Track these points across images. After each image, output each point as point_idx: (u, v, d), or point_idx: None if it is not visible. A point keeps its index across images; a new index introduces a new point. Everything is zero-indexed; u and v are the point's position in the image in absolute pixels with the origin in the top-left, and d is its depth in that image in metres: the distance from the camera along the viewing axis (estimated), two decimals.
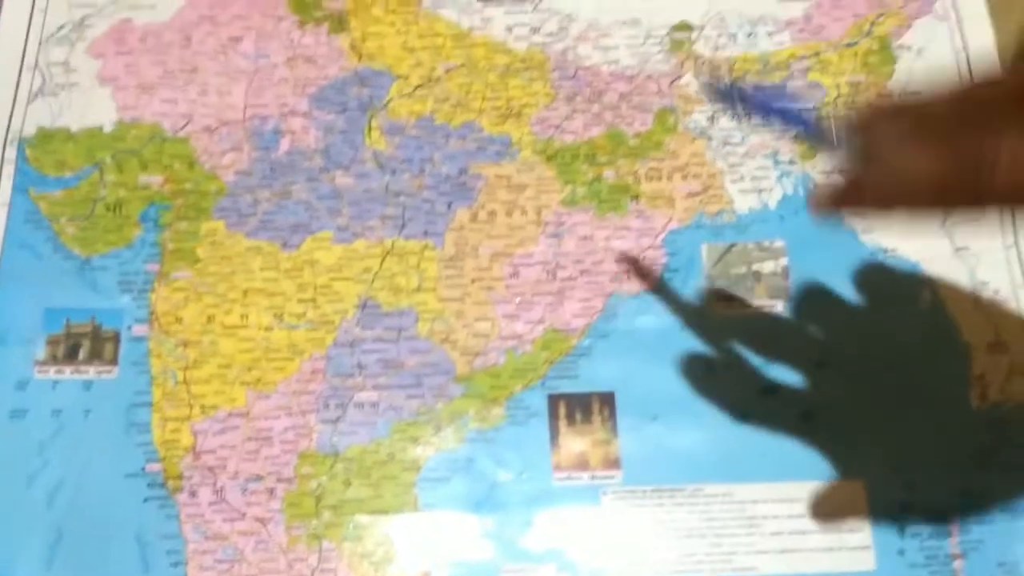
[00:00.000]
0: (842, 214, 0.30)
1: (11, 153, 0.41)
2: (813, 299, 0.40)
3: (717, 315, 0.40)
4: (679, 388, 0.38)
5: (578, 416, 0.38)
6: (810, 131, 0.30)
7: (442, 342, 0.39)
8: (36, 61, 0.43)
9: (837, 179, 0.29)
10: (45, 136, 0.41)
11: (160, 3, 0.44)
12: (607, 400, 0.38)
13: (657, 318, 0.40)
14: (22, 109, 0.42)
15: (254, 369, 0.38)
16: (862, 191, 0.29)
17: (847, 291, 0.40)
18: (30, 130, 0.41)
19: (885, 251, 0.40)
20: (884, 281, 0.40)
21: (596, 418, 0.38)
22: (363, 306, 0.39)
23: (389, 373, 0.38)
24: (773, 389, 0.38)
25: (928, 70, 0.44)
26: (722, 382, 0.39)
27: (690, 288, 0.40)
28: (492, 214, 0.41)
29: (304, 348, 0.39)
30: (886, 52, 0.44)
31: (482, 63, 0.44)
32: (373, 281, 0.40)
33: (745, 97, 0.31)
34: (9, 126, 0.41)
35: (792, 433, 0.38)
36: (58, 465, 0.37)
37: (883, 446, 0.38)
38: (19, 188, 0.40)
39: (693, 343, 0.39)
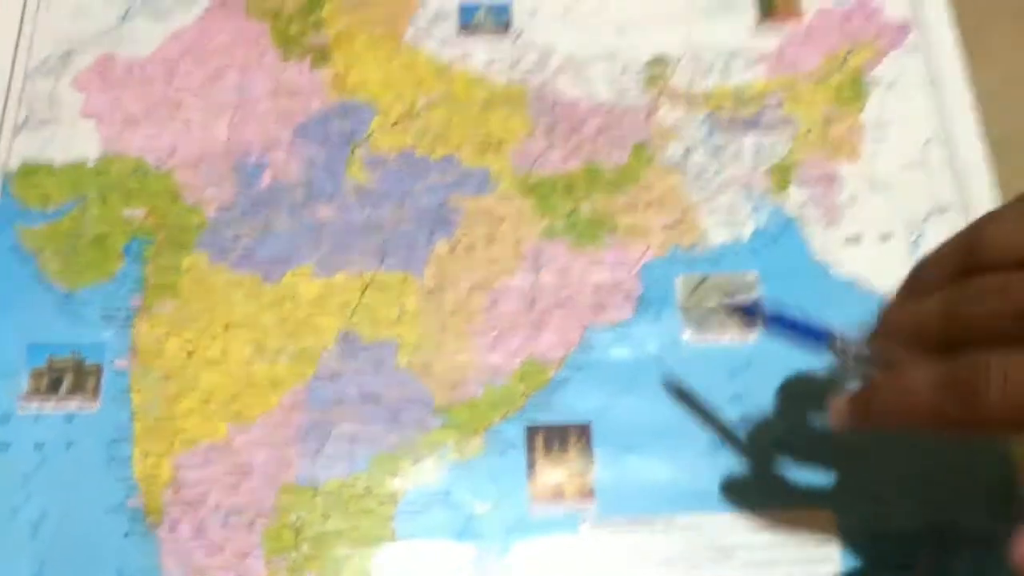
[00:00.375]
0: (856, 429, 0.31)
1: None
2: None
3: (691, 346, 0.40)
4: (654, 419, 0.39)
5: (555, 447, 0.39)
6: (825, 347, 0.32)
7: (420, 374, 0.40)
8: (21, 94, 0.43)
9: (845, 397, 0.31)
10: (29, 170, 0.42)
11: (144, 37, 0.45)
12: (583, 431, 0.39)
13: (632, 349, 0.40)
14: (7, 142, 0.42)
15: (235, 402, 0.39)
16: (869, 410, 0.30)
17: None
18: (14, 164, 0.42)
19: (856, 283, 0.41)
20: (854, 312, 0.41)
21: (573, 449, 0.39)
22: (343, 339, 0.40)
23: (368, 405, 0.39)
24: (746, 419, 0.39)
25: (899, 103, 0.45)
26: (695, 414, 0.39)
27: (665, 319, 0.41)
28: (471, 246, 0.42)
29: (284, 381, 0.39)
30: (858, 85, 0.45)
31: (462, 96, 0.44)
32: (353, 314, 0.41)
33: (765, 315, 0.34)
34: None
35: (764, 462, 0.39)
36: (41, 498, 0.37)
37: (853, 476, 0.38)
38: (3, 222, 0.41)
39: (667, 374, 0.40)
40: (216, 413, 0.39)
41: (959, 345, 0.27)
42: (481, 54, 0.45)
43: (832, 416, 0.32)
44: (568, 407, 0.39)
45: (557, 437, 0.39)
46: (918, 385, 0.28)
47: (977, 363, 0.27)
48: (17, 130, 0.43)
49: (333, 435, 0.38)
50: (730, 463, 0.38)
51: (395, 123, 0.44)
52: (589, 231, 0.42)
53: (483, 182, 0.43)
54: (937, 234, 0.42)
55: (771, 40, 0.46)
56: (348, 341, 0.40)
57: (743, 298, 0.40)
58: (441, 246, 0.42)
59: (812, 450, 0.39)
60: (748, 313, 0.36)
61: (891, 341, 0.30)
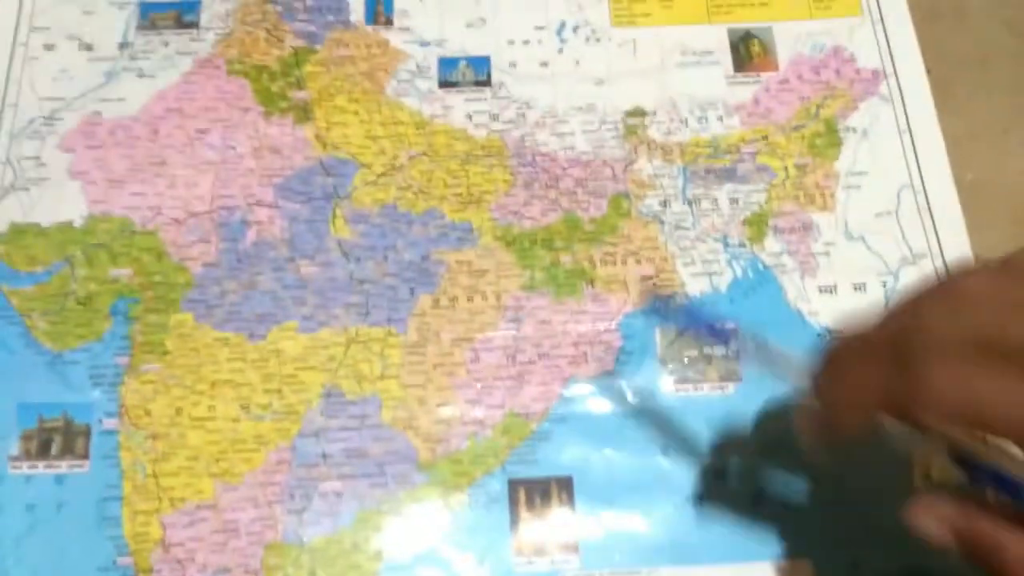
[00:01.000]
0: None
1: None
2: (763, 381, 0.41)
3: (672, 396, 0.41)
4: (634, 472, 0.40)
5: (537, 501, 0.39)
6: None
7: (404, 429, 0.40)
8: (8, 156, 0.44)
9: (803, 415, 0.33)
10: (17, 231, 0.43)
11: (129, 96, 0.45)
12: (565, 485, 0.40)
13: (613, 402, 0.41)
14: None
15: (221, 460, 0.39)
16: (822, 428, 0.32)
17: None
18: (2, 226, 0.43)
19: (831, 332, 0.42)
20: None
21: (555, 502, 0.39)
22: (327, 395, 0.41)
23: (353, 462, 0.40)
24: (725, 471, 0.40)
25: (872, 151, 0.45)
26: (676, 465, 0.40)
27: (645, 371, 0.41)
28: (453, 299, 0.43)
29: (270, 439, 0.40)
30: (832, 134, 0.46)
31: (443, 150, 0.45)
32: (337, 369, 0.41)
33: (675, 312, 0.40)
34: None
35: (743, 514, 0.39)
36: (33, 559, 0.38)
37: (829, 524, 0.39)
38: None
39: (648, 427, 0.41)
40: (203, 471, 0.39)
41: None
42: (461, 108, 0.46)
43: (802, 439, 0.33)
44: (550, 461, 0.40)
45: (539, 491, 0.40)
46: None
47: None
48: (4, 192, 0.43)
49: (318, 492, 0.39)
50: (710, 515, 0.39)
51: (378, 178, 0.44)
52: (569, 283, 0.43)
53: (465, 235, 0.44)
54: (910, 283, 0.43)
55: (746, 90, 0.47)
56: (332, 397, 0.41)
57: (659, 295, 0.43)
58: (424, 300, 0.42)
59: (789, 498, 0.40)
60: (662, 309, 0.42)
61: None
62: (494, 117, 0.46)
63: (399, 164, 0.45)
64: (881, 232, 0.44)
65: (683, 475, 0.40)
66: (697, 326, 0.41)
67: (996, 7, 0.50)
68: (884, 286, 0.43)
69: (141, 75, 0.46)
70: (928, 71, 0.47)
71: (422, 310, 0.42)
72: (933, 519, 0.30)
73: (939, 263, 0.43)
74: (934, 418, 0.27)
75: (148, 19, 0.47)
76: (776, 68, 0.47)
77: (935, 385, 0.26)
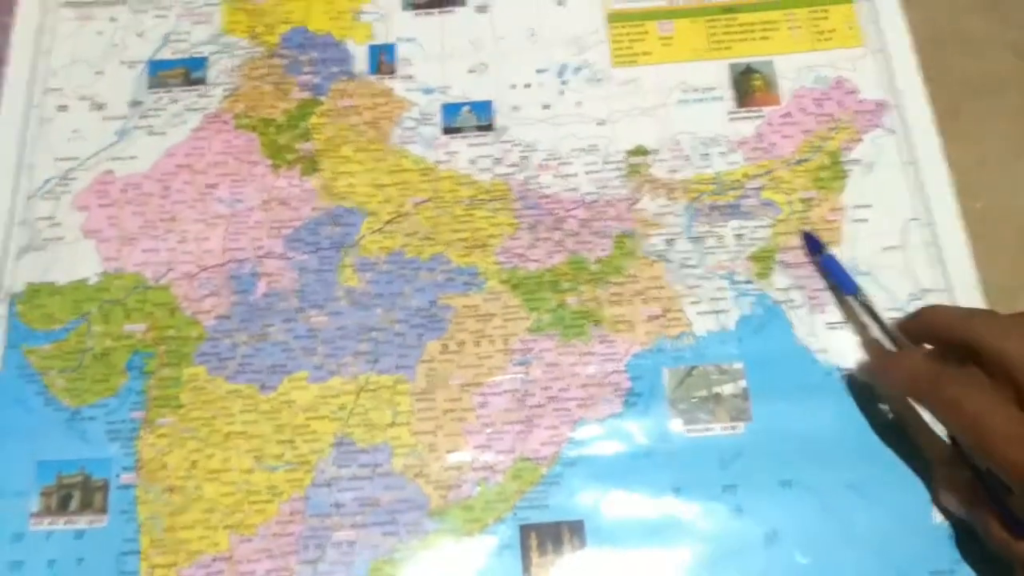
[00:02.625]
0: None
1: (2, 310, 0.43)
2: (774, 420, 0.41)
3: (681, 437, 0.41)
4: (646, 514, 0.40)
5: (549, 546, 0.39)
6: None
7: (415, 477, 0.41)
8: (24, 217, 0.45)
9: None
10: (34, 291, 0.44)
11: (140, 153, 0.46)
12: (577, 529, 0.40)
13: (624, 444, 0.41)
14: (11, 266, 0.44)
15: (236, 512, 0.40)
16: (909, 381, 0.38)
17: (806, 411, 0.41)
18: (20, 286, 0.44)
19: (840, 370, 0.42)
20: (842, 401, 0.41)
21: (567, 547, 0.39)
22: (339, 444, 0.41)
23: (365, 511, 0.40)
24: (738, 510, 0.40)
25: (878, 184, 0.45)
26: (688, 506, 0.40)
27: (654, 412, 0.41)
28: (461, 344, 0.43)
29: (283, 489, 0.40)
30: (837, 167, 0.46)
31: (448, 196, 0.46)
32: (348, 418, 0.42)
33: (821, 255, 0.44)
34: (0, 284, 0.44)
35: (757, 553, 0.39)
36: None
37: (846, 562, 0.39)
38: (11, 344, 0.43)
39: (659, 468, 0.41)
40: (219, 524, 0.40)
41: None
42: (465, 153, 0.46)
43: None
44: (561, 505, 0.40)
45: (551, 536, 0.40)
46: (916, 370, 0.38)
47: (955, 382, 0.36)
48: (21, 253, 0.44)
49: (332, 542, 0.39)
50: (723, 556, 0.39)
51: (384, 225, 0.45)
52: (576, 324, 0.43)
53: (471, 280, 0.44)
54: None
55: (749, 125, 0.47)
56: (344, 446, 0.41)
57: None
58: (432, 346, 0.43)
59: (805, 537, 0.39)
60: (811, 245, 0.44)
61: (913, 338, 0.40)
62: (498, 161, 0.46)
63: (405, 211, 0.45)
64: (889, 266, 0.43)
65: (695, 516, 0.40)
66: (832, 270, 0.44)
67: (1001, 30, 0.49)
68: (892, 321, 0.42)
69: (152, 132, 0.47)
70: (933, 99, 0.47)
71: (430, 356, 0.43)
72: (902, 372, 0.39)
73: (947, 297, 0.43)
74: None
75: (157, 77, 0.48)
76: (778, 102, 0.47)
77: None
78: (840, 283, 0.43)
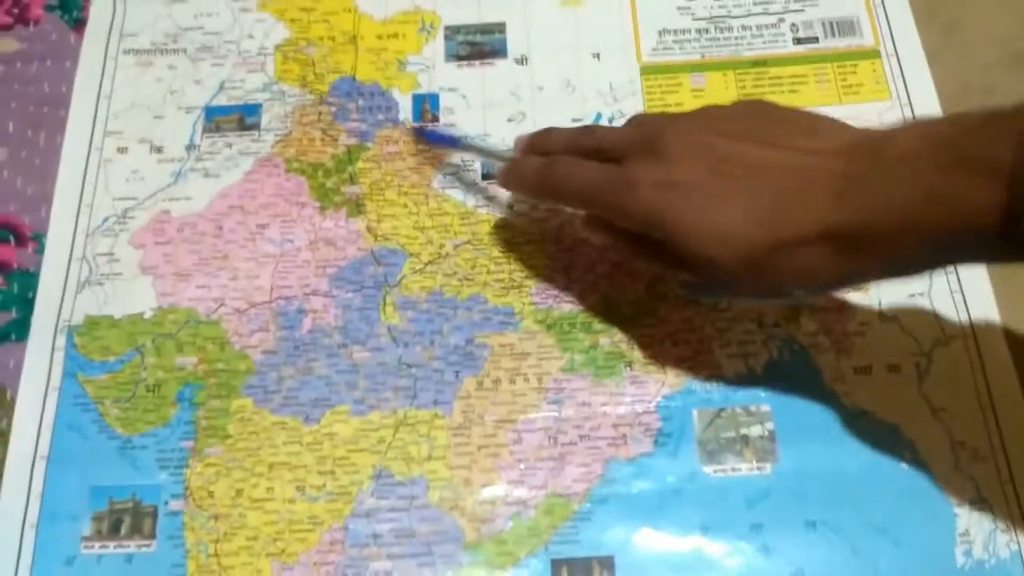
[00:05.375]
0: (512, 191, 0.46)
1: (61, 341, 0.45)
2: (800, 461, 0.42)
3: (710, 478, 0.42)
4: (675, 551, 0.41)
5: None
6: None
7: (451, 509, 0.42)
8: (84, 253, 0.47)
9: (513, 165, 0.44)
10: (92, 323, 0.46)
11: (195, 195, 0.49)
12: (607, 564, 0.41)
13: (653, 482, 0.42)
14: (71, 299, 0.46)
15: (278, 540, 0.42)
16: (528, 177, 0.43)
17: (833, 453, 0.42)
18: (78, 318, 0.46)
19: (866, 413, 0.43)
20: (867, 443, 0.42)
21: None
22: (377, 476, 0.43)
23: (402, 542, 0.41)
24: (765, 550, 0.41)
25: None
26: (716, 544, 0.41)
27: (683, 452, 0.43)
28: (496, 382, 0.45)
29: (324, 519, 0.42)
30: None
31: (486, 239, 0.47)
32: (387, 451, 0.43)
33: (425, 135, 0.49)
34: (59, 315, 0.46)
35: None
36: None
37: None
38: (68, 373, 0.45)
39: (687, 506, 0.42)
40: (261, 551, 0.41)
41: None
42: (503, 197, 0.48)
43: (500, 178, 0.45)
44: (592, 540, 0.41)
45: (581, 571, 0.41)
46: (529, 167, 0.43)
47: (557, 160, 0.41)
48: (81, 287, 0.47)
49: (369, 572, 0.41)
50: None
51: (425, 266, 0.47)
52: (608, 365, 0.45)
53: (507, 319, 0.46)
54: (944, 364, 0.44)
55: None
56: (382, 478, 0.43)
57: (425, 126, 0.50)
58: (468, 383, 0.44)
59: None
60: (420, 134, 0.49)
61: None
62: (534, 206, 0.48)
63: (445, 253, 0.47)
64: (914, 313, 0.45)
65: (722, 555, 0.41)
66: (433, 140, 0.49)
67: None
68: (918, 367, 0.43)
69: (207, 175, 0.49)
70: None
71: (467, 392, 0.44)
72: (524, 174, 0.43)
73: (972, 343, 0.44)
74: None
75: (213, 122, 0.50)
76: None
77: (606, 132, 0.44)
78: (449, 143, 0.48)
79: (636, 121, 0.42)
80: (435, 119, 0.50)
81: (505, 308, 0.46)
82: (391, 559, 0.41)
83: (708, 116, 0.39)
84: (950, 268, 0.45)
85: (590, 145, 0.41)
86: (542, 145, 0.44)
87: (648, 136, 0.39)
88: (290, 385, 0.45)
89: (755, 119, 0.38)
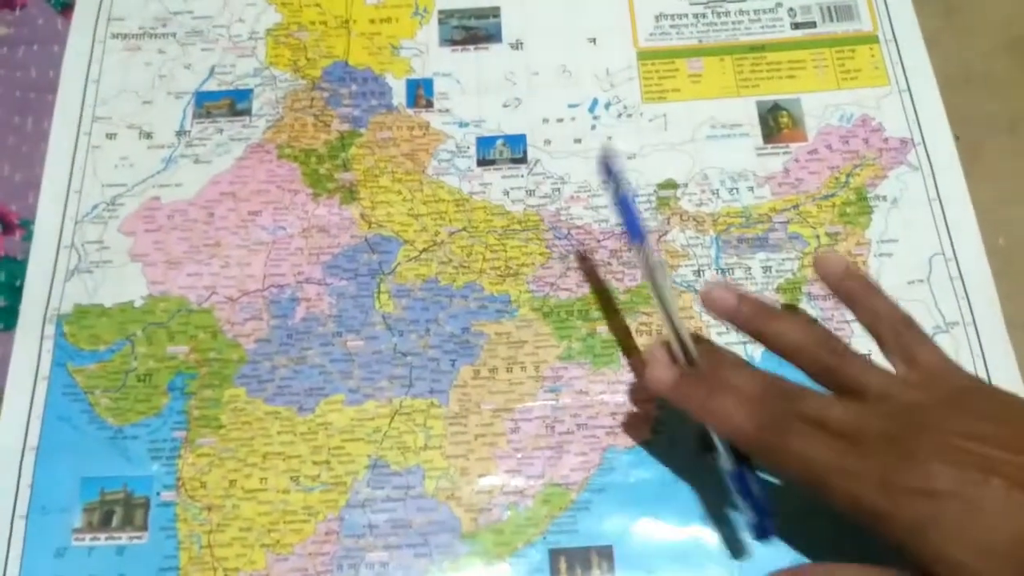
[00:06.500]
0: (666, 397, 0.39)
1: (50, 330, 0.45)
2: None
3: (708, 467, 0.42)
4: (674, 540, 0.41)
5: (578, 570, 0.40)
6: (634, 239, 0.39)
7: (447, 499, 0.41)
8: (73, 240, 0.47)
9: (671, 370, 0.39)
10: (81, 312, 0.45)
11: (186, 181, 0.48)
12: (605, 554, 0.40)
13: (652, 471, 0.42)
14: (60, 287, 0.45)
15: (273, 531, 0.41)
16: (693, 395, 0.38)
17: None
18: (67, 307, 0.45)
19: None
20: None
21: (596, 572, 0.40)
22: (373, 466, 0.42)
23: (398, 532, 0.41)
24: (768, 536, 0.40)
25: (903, 220, 0.46)
26: (715, 533, 0.41)
27: (682, 440, 0.42)
28: (493, 370, 0.44)
29: (319, 510, 0.41)
30: (862, 202, 0.47)
31: (482, 226, 0.47)
32: (382, 441, 0.43)
33: (616, 182, 0.40)
34: (48, 304, 0.45)
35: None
36: None
37: None
38: (58, 363, 0.44)
39: (686, 495, 0.41)
40: (256, 542, 0.41)
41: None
42: (499, 184, 0.48)
43: (649, 377, 0.39)
44: (590, 530, 0.41)
45: (580, 561, 0.40)
46: (744, 416, 0.36)
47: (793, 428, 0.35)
48: (69, 275, 0.46)
49: (365, 562, 0.40)
50: None
51: (420, 254, 0.46)
52: (606, 353, 0.44)
53: (504, 307, 0.45)
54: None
55: (776, 161, 0.48)
56: (378, 468, 0.42)
57: (613, 161, 0.40)
58: (465, 371, 0.44)
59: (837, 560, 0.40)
60: (608, 172, 0.40)
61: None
62: (530, 193, 0.48)
63: (440, 240, 0.47)
64: (914, 300, 0.44)
65: (723, 542, 0.40)
66: (622, 209, 0.39)
67: (1023, 71, 0.51)
68: None
69: (197, 161, 0.48)
70: (957, 137, 0.48)
71: (463, 381, 0.44)
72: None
73: (972, 331, 0.44)
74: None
75: (203, 108, 0.50)
76: (805, 139, 0.48)
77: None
78: (627, 227, 0.39)
79: (874, 400, 0.35)
80: (429, 104, 0.50)
81: (501, 296, 0.46)
82: (387, 549, 0.41)
83: (956, 411, 0.35)
84: (950, 256, 0.45)
85: (816, 411, 0.35)
86: (755, 328, 0.38)
87: (892, 428, 0.34)
88: (283, 374, 0.44)
89: (1007, 421, 0.35)
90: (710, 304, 0.39)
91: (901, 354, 0.37)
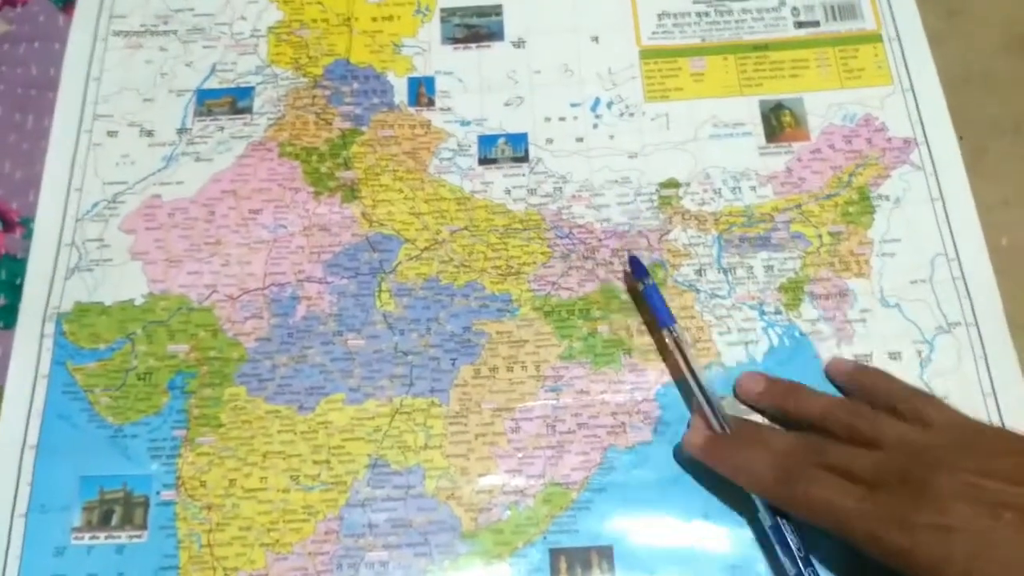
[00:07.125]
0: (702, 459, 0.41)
1: (50, 328, 0.45)
2: None
3: (709, 467, 0.42)
4: (674, 540, 0.40)
5: (578, 570, 0.40)
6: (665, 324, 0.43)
7: (447, 499, 0.41)
8: (73, 238, 0.46)
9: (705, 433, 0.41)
10: (81, 310, 0.45)
11: (187, 179, 0.48)
12: (606, 554, 0.40)
13: (652, 471, 0.42)
14: (60, 285, 0.45)
15: (272, 530, 0.41)
16: (723, 454, 0.40)
17: None
18: (67, 305, 0.45)
19: None
20: None
21: (596, 572, 0.40)
22: (373, 465, 0.42)
23: (398, 532, 0.41)
24: (769, 536, 0.40)
25: (906, 219, 0.46)
26: (717, 533, 0.40)
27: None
28: (494, 370, 0.44)
29: (319, 509, 0.41)
30: (865, 202, 0.47)
31: (483, 224, 0.47)
32: (383, 440, 0.43)
33: (644, 283, 0.44)
34: (48, 302, 0.45)
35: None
36: None
37: None
38: (57, 361, 0.44)
39: (687, 495, 0.41)
40: (255, 542, 0.41)
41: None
42: (500, 183, 0.48)
43: (686, 442, 0.41)
44: (591, 530, 0.41)
45: (580, 560, 0.40)
46: (763, 463, 0.39)
47: (814, 477, 0.37)
48: (70, 273, 0.46)
49: (365, 562, 0.40)
50: None
51: (421, 252, 0.46)
52: (607, 353, 0.44)
53: (505, 306, 0.45)
54: (946, 352, 0.43)
55: (779, 160, 0.48)
56: (378, 468, 0.42)
57: (643, 257, 0.45)
58: (465, 371, 0.44)
59: (838, 563, 0.40)
60: (637, 269, 0.44)
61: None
62: (532, 191, 0.47)
63: (441, 239, 0.47)
64: (916, 299, 0.44)
65: (724, 543, 0.40)
66: (650, 300, 0.44)
67: None
68: (919, 354, 0.43)
69: (198, 159, 0.48)
70: (960, 138, 0.48)
71: (464, 380, 0.44)
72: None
73: (974, 331, 0.43)
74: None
75: (205, 106, 0.50)
76: (808, 138, 0.48)
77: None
78: (657, 314, 0.43)
79: (892, 446, 0.37)
80: (431, 102, 0.50)
81: (502, 295, 0.45)
82: (387, 549, 0.41)
83: (968, 451, 0.37)
84: (952, 256, 0.45)
85: (838, 459, 0.37)
86: (777, 402, 0.42)
87: (908, 470, 0.36)
88: (284, 373, 0.44)
89: (1017, 455, 0.36)
90: (740, 391, 0.43)
91: (915, 414, 0.39)
